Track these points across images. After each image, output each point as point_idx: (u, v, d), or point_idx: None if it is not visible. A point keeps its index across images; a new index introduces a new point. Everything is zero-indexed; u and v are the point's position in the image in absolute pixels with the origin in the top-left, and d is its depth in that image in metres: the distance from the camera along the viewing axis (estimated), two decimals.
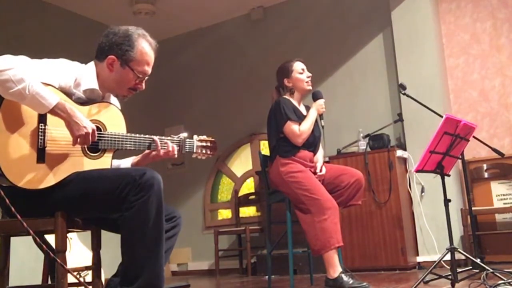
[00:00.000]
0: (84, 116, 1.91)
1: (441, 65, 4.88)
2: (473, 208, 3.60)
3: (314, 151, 3.37)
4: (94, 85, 2.08)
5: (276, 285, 3.95)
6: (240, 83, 6.04)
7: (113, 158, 2.11)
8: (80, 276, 3.02)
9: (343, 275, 2.95)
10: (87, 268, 2.20)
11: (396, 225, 4.40)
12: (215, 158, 5.91)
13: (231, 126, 5.95)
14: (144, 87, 2.16)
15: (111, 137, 2.06)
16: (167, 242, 2.05)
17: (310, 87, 3.40)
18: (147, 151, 2.22)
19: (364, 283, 2.89)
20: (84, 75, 2.07)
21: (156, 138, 2.18)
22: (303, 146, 3.27)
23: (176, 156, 2.24)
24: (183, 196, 6.19)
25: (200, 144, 2.34)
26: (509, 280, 2.63)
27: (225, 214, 6.16)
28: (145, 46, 2.12)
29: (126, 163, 2.32)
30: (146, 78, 2.16)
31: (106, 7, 5.36)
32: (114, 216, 2.05)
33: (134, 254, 1.88)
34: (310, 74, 3.40)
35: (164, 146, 2.20)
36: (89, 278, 2.37)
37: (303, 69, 3.39)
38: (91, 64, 2.13)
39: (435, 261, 3.00)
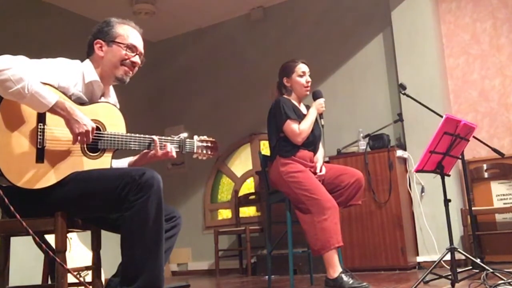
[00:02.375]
0: (83, 115, 1.91)
1: (441, 65, 4.88)
2: (473, 208, 3.60)
3: (314, 151, 3.37)
4: (96, 77, 2.11)
5: (276, 285, 3.95)
6: (240, 83, 6.04)
7: (112, 158, 2.12)
8: (80, 276, 3.02)
9: (343, 275, 2.95)
10: (87, 268, 2.20)
11: (396, 225, 4.40)
12: (215, 158, 5.91)
13: (231, 126, 5.95)
14: (139, 62, 2.20)
15: (110, 137, 2.06)
16: (167, 242, 2.05)
17: (307, 92, 3.39)
18: (145, 150, 2.22)
19: (364, 283, 2.89)
20: (85, 69, 2.10)
21: (155, 138, 2.18)
22: (303, 146, 3.27)
23: (174, 157, 2.24)
24: (183, 196, 6.19)
25: (200, 144, 2.34)
26: (509, 280, 2.63)
27: (225, 214, 6.16)
28: (126, 24, 2.22)
29: (122, 163, 2.31)
30: (140, 54, 2.20)
31: (106, 7, 5.36)
32: (114, 216, 2.05)
33: (134, 254, 1.88)
34: (309, 80, 3.39)
35: (163, 146, 2.20)
36: (89, 278, 2.37)
37: (304, 72, 3.38)
38: (86, 61, 2.17)
39: (435, 261, 3.00)
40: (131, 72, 2.19)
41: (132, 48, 2.17)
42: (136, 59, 2.19)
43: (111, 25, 2.18)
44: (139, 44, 2.21)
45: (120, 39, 2.15)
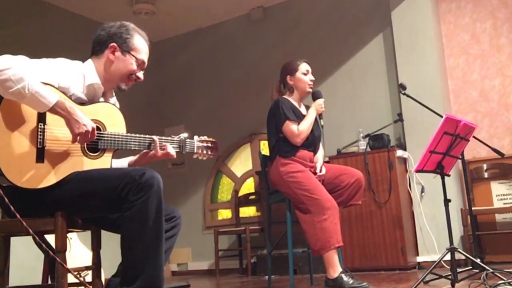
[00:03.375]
0: (84, 115, 1.91)
1: (441, 65, 4.88)
2: (473, 208, 3.60)
3: (314, 151, 3.37)
4: (97, 79, 2.10)
5: (276, 285, 3.95)
6: (240, 83, 6.04)
7: (112, 158, 2.11)
8: (80, 276, 3.02)
9: (343, 275, 2.95)
10: (87, 268, 2.20)
11: (396, 225, 4.40)
12: (215, 158, 5.90)
13: (231, 126, 5.95)
14: (142, 78, 2.21)
15: (110, 137, 2.06)
16: (167, 242, 2.05)
17: (310, 90, 3.40)
18: (145, 150, 2.22)
19: (364, 283, 2.89)
20: (86, 71, 2.10)
21: (155, 138, 2.18)
22: (303, 146, 3.27)
23: (174, 157, 2.24)
24: (183, 196, 6.19)
25: (200, 144, 2.34)
26: (509, 280, 2.63)
27: (225, 214, 6.16)
28: (142, 37, 2.21)
29: (122, 163, 2.31)
30: (144, 68, 2.22)
31: (106, 7, 5.36)
32: (114, 216, 2.05)
33: (133, 254, 1.88)
34: (313, 78, 3.41)
35: (162, 147, 2.20)
36: (89, 278, 2.37)
37: (307, 71, 3.39)
38: (89, 61, 2.16)
39: (435, 261, 3.00)
40: (132, 84, 2.21)
41: (141, 64, 2.19)
42: (141, 75, 2.21)
43: (131, 34, 2.16)
44: (146, 60, 2.22)
45: (135, 52, 2.16)
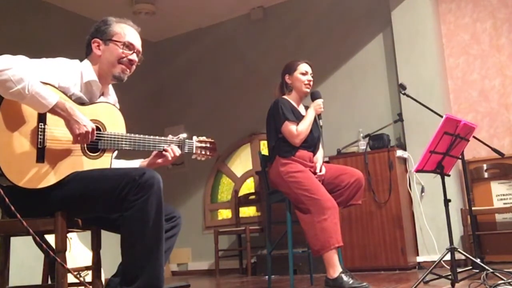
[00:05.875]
0: (83, 115, 1.91)
1: (441, 65, 4.88)
2: (473, 208, 3.60)
3: (314, 151, 3.37)
4: (94, 76, 2.11)
5: (276, 285, 3.95)
6: (240, 83, 6.04)
7: (112, 158, 2.12)
8: (80, 276, 3.02)
9: (343, 275, 2.95)
10: (87, 268, 2.20)
11: (396, 225, 4.40)
12: (215, 158, 5.91)
13: (231, 126, 5.95)
14: (137, 60, 2.20)
15: (110, 137, 2.06)
16: (167, 242, 2.05)
17: (308, 90, 3.40)
18: (153, 158, 2.23)
19: (364, 283, 2.89)
20: (83, 69, 2.11)
21: (157, 138, 2.19)
22: (303, 146, 3.27)
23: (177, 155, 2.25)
24: (183, 196, 6.19)
25: (199, 145, 2.34)
26: (509, 280, 2.63)
27: (225, 214, 6.16)
28: (123, 23, 2.21)
29: (134, 164, 2.31)
30: (138, 52, 2.20)
31: (106, 7, 5.35)
32: (114, 216, 2.05)
33: (133, 254, 1.88)
34: (311, 79, 3.40)
35: (168, 147, 2.21)
36: (89, 278, 2.37)
37: (306, 71, 3.39)
38: (85, 61, 2.17)
39: (435, 261, 3.00)
40: (128, 70, 2.19)
41: (129, 46, 2.17)
42: (134, 57, 2.18)
43: (108, 24, 2.18)
44: (137, 42, 2.20)
45: (117, 37, 2.15)
